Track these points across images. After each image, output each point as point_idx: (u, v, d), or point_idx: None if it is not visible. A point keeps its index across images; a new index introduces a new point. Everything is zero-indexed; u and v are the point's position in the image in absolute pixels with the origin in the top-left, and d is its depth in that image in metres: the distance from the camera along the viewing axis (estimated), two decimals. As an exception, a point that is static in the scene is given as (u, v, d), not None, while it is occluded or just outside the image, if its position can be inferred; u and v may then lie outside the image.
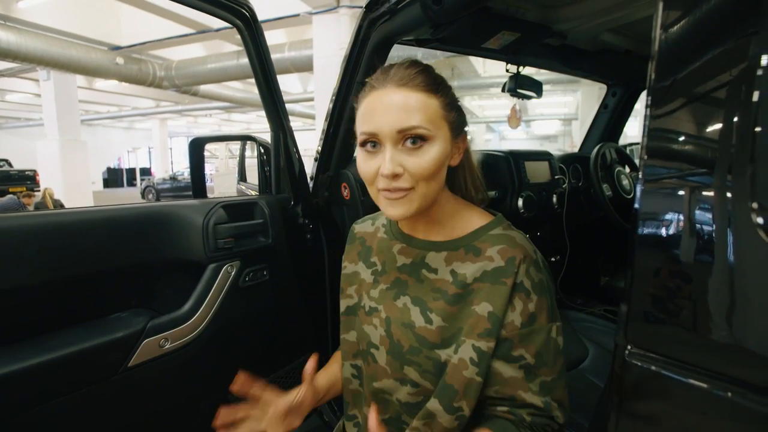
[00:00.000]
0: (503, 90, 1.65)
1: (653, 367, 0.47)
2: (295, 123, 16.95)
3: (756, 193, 0.40)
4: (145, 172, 22.69)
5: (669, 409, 0.47)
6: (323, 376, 0.79)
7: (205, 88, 9.74)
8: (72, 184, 9.22)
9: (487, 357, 0.60)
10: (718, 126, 0.44)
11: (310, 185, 1.34)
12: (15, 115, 17.07)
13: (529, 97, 1.65)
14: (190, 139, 1.17)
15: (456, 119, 0.64)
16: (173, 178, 13.89)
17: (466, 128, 0.68)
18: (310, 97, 8.72)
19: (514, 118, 1.73)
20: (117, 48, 7.61)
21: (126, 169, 23.16)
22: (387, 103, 0.60)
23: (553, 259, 1.75)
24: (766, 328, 0.40)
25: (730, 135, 0.42)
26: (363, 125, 0.62)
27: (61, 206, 7.45)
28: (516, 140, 25.69)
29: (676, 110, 0.48)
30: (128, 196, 15.79)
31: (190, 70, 8.09)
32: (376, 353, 0.70)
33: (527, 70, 1.67)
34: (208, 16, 0.98)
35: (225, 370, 0.99)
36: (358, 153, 0.64)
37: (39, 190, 9.95)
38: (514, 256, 0.61)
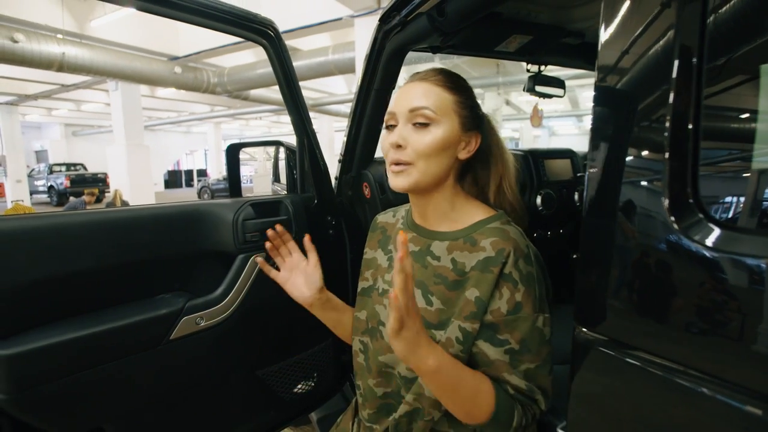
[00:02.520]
0: (524, 90, 1.68)
1: (595, 345, 0.53)
2: (341, 123, 17.30)
3: (671, 189, 0.46)
4: (202, 173, 24.10)
5: (606, 381, 0.53)
6: (340, 301, 0.92)
7: (255, 92, 10.21)
8: (137, 186, 10.01)
9: (472, 337, 0.67)
10: (645, 126, 0.49)
11: (335, 185, 1.45)
12: (89, 123, 18.74)
13: (549, 96, 1.67)
14: (226, 145, 1.31)
15: (468, 116, 0.74)
16: (226, 179, 14.63)
17: (478, 130, 0.75)
18: (350, 99, 8.95)
19: (536, 117, 1.75)
20: (175, 58, 8.17)
21: (184, 171, 24.72)
22: (408, 90, 0.74)
23: (575, 256, 1.75)
24: (681, 306, 0.45)
25: (654, 134, 0.47)
26: (390, 106, 0.76)
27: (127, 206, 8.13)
28: (566, 136, 24.64)
29: (612, 109, 0.53)
30: (186, 196, 16.82)
31: (241, 76, 8.53)
32: (383, 330, 0.79)
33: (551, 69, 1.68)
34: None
35: (251, 349, 1.13)
36: (383, 133, 0.78)
37: (110, 191, 10.89)
38: (503, 248, 0.67)
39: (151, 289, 0.97)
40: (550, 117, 18.90)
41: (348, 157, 1.42)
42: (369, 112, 1.33)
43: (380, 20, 1.19)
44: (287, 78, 1.18)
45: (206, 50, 7.96)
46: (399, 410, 0.76)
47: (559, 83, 1.68)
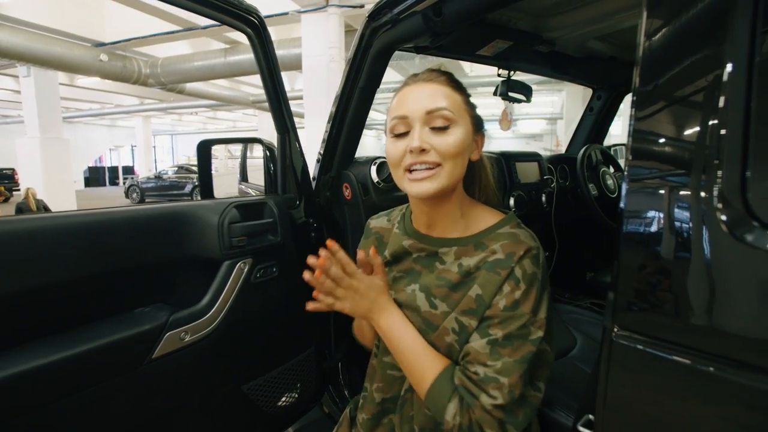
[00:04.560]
0: (495, 93, 1.73)
1: (636, 345, 0.54)
2: (281, 121, 16.76)
3: (720, 192, 0.47)
4: (128, 170, 22.34)
5: (650, 380, 0.55)
6: None
7: (191, 85, 9.63)
8: (53, 183, 9.03)
9: (467, 332, 0.67)
10: (692, 129, 0.50)
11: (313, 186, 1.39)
12: (-8, 112, 16.60)
13: (519, 101, 1.73)
14: (198, 141, 1.21)
15: (476, 116, 0.73)
16: (158, 177, 13.68)
17: (483, 130, 0.76)
18: (297, 96, 8.73)
19: (505, 120, 1.81)
20: (101, 44, 7.47)
21: (108, 168, 22.73)
22: (418, 91, 0.69)
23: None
24: (732, 309, 0.47)
25: (702, 138, 0.49)
26: (395, 111, 0.70)
27: (45, 207, 7.30)
28: (502, 139, 25.94)
29: (657, 113, 0.54)
30: (112, 196, 15.49)
31: (176, 68, 8.00)
32: None
33: (517, 75, 1.74)
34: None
35: (238, 361, 1.04)
36: (387, 141, 0.72)
37: (18, 189, 9.72)
38: (514, 252, 0.67)
39: (128, 302, 0.86)
40: (488, 120, 19.78)
41: (328, 157, 1.36)
42: (352, 110, 1.28)
43: (369, 17, 1.16)
44: (271, 72, 1.11)
45: (137, 38, 7.36)
46: (404, 384, 0.77)
47: (526, 89, 1.74)
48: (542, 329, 0.66)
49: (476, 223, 0.74)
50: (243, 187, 1.96)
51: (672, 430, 0.52)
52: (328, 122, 1.32)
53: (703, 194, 0.49)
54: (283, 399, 1.17)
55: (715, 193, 0.47)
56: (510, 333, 0.64)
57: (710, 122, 0.47)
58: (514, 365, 0.63)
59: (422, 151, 0.66)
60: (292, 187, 1.25)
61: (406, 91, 0.71)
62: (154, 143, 21.62)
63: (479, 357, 0.64)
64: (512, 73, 1.70)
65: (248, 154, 2.08)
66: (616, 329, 0.57)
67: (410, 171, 0.68)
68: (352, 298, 0.71)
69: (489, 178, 0.81)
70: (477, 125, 0.73)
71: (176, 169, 14.04)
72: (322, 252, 0.69)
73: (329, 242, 0.70)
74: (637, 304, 0.55)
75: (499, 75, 1.70)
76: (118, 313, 0.84)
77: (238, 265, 0.99)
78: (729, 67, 0.46)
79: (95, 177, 21.39)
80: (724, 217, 0.47)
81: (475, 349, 0.65)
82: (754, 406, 0.46)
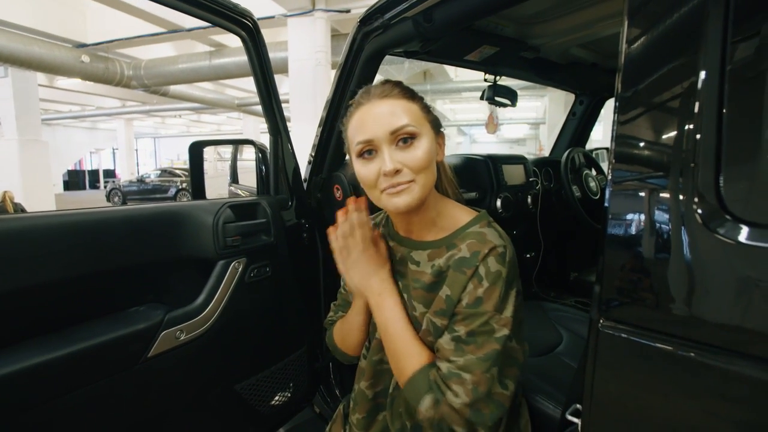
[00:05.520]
0: (482, 98, 1.77)
1: (621, 335, 0.58)
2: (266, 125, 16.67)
3: (697, 192, 0.51)
4: (109, 174, 21.91)
5: (634, 367, 0.58)
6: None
7: (175, 88, 9.52)
8: (32, 187, 8.80)
9: (441, 331, 0.69)
10: (670, 133, 0.54)
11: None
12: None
13: (505, 105, 1.78)
14: (190, 143, 1.22)
15: (434, 119, 0.74)
16: (141, 181, 13.43)
17: (442, 129, 0.78)
18: (283, 99, 8.70)
19: (492, 124, 1.86)
20: (82, 45, 7.34)
21: (88, 171, 22.25)
22: (376, 112, 0.69)
23: (528, 255, 1.88)
24: (708, 297, 0.50)
25: (679, 141, 0.52)
26: (358, 135, 0.69)
27: (23, 210, 7.11)
28: (486, 143, 26.24)
29: (638, 118, 0.57)
30: (93, 199, 15.16)
31: (160, 70, 7.90)
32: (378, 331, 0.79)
33: (503, 80, 1.79)
34: (180, 14, 1.01)
35: (232, 360, 1.05)
36: (356, 163, 0.72)
37: (-5, 193, 9.45)
38: (479, 251, 0.68)
39: (123, 302, 0.86)
40: (472, 125, 20.03)
41: (319, 159, 1.38)
42: (342, 116, 1.30)
43: (360, 21, 1.18)
44: (264, 74, 1.13)
45: (120, 39, 7.26)
46: (391, 384, 0.78)
47: (512, 93, 1.79)
48: (508, 327, 0.66)
49: (451, 223, 0.75)
50: (233, 188, 1.97)
51: (655, 412, 0.56)
52: (319, 126, 1.34)
53: (681, 194, 0.52)
54: (276, 398, 1.18)
55: (693, 192, 0.51)
56: (473, 330, 0.65)
57: (686, 127, 0.51)
58: (478, 362, 0.64)
59: (396, 172, 0.67)
60: (284, 188, 1.27)
61: (364, 111, 0.70)
62: (136, 146, 21.24)
63: (444, 353, 0.67)
64: (498, 78, 1.75)
65: (238, 156, 2.09)
66: (602, 320, 0.61)
67: (389, 187, 0.68)
68: (357, 255, 0.76)
69: (449, 173, 0.83)
70: (436, 127, 0.74)
71: (159, 172, 13.82)
72: (352, 202, 0.78)
73: (360, 199, 0.77)
74: (621, 295, 0.59)
75: (485, 80, 1.75)
76: (114, 312, 0.85)
77: (232, 264, 0.99)
78: (703, 74, 0.49)
79: (75, 180, 20.91)
80: (700, 211, 0.50)
81: (442, 346, 0.67)
82: (730, 388, 0.49)
